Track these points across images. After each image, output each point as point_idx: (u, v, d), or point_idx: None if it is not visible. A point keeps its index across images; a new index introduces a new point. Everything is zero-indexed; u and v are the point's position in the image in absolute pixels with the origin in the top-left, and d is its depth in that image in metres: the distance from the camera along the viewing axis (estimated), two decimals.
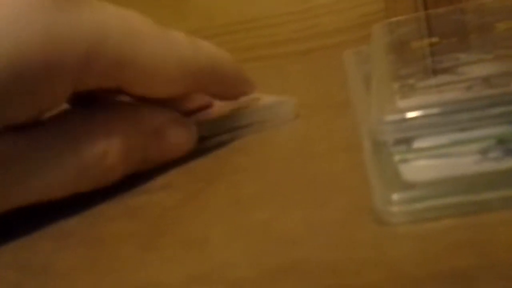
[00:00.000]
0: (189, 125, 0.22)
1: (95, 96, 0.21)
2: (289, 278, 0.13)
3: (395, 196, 0.14)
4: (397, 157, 0.17)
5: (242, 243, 0.15)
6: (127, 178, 0.21)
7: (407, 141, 0.17)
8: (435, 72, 0.22)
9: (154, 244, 0.16)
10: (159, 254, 0.15)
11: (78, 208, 0.20)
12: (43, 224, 0.19)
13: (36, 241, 0.18)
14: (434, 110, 0.17)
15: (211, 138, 0.24)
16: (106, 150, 0.19)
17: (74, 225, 0.19)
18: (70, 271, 0.15)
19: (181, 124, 0.22)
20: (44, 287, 0.15)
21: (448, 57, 0.23)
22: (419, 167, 0.16)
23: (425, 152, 0.17)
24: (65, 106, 0.21)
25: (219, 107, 0.27)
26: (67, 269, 0.16)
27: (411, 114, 0.17)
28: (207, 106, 0.26)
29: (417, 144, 0.17)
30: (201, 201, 0.19)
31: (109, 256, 0.16)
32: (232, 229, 0.16)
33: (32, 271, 0.16)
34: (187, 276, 0.14)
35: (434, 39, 0.27)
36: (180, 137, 0.22)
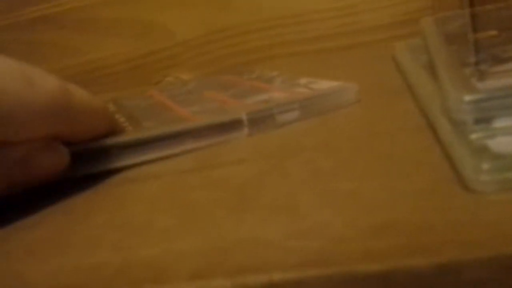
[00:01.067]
0: (60, 149, 0.22)
1: None
2: (386, 235, 0.14)
3: (485, 166, 0.15)
4: (478, 135, 0.17)
5: (332, 207, 0.16)
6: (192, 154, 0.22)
7: (487, 120, 0.18)
8: (503, 60, 0.22)
9: (244, 208, 0.17)
10: (252, 216, 0.16)
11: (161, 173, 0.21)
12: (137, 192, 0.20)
13: (128, 204, 0.19)
14: None
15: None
16: None
17: (159, 192, 0.20)
18: (169, 228, 0.16)
19: (51, 149, 0.21)
20: (149, 246, 0.16)
21: (510, 47, 0.24)
22: (504, 142, 0.17)
23: (506, 130, 0.17)
24: None
25: (279, 91, 0.28)
26: (165, 228, 0.16)
27: (491, 94, 0.18)
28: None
29: (496, 123, 0.18)
30: (279, 174, 0.19)
31: (203, 218, 0.17)
32: (318, 196, 0.17)
33: (132, 229, 0.17)
34: (284, 233, 0.15)
35: (493, 32, 0.27)
36: (49, 162, 0.21)
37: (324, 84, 0.28)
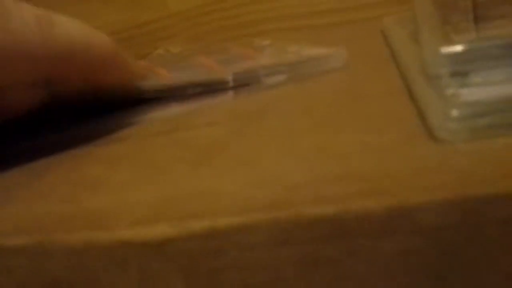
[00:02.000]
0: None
1: None
2: (343, 182, 0.13)
3: (453, 113, 0.14)
4: (453, 89, 0.16)
5: (294, 160, 0.15)
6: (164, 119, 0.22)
7: (463, 74, 0.17)
8: (486, 19, 0.21)
9: (205, 164, 0.16)
10: (209, 170, 0.15)
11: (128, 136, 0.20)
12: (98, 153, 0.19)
13: (86, 163, 0.18)
14: (491, 42, 0.17)
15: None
16: None
17: (120, 153, 0.19)
18: (123, 183, 0.16)
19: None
20: (98, 199, 0.15)
21: (495, 8, 0.23)
22: (477, 92, 0.16)
23: (482, 83, 0.16)
24: None
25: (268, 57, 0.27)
26: (119, 182, 0.16)
27: (468, 46, 0.17)
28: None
29: (473, 77, 0.17)
30: (249, 134, 0.19)
31: (161, 173, 0.16)
32: (283, 151, 0.16)
33: (86, 186, 0.16)
34: (239, 184, 0.14)
35: None
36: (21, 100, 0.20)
37: (313, 50, 0.27)
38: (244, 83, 0.24)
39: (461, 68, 0.17)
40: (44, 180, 0.17)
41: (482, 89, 0.16)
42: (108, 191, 0.15)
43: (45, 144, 0.21)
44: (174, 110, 0.23)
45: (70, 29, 0.20)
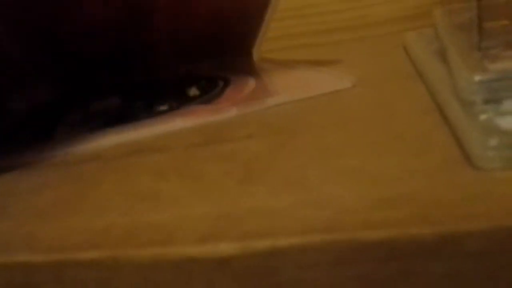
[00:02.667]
0: None
1: None
2: (391, 207, 0.14)
3: (492, 142, 0.15)
4: (487, 115, 0.17)
5: (339, 182, 0.16)
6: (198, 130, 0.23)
7: (496, 101, 0.18)
8: None
9: (253, 180, 0.17)
10: (260, 187, 0.16)
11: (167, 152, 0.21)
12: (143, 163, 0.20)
13: (135, 174, 0.19)
14: None
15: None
16: None
17: (166, 164, 0.20)
18: (178, 196, 0.17)
19: None
20: (157, 213, 0.16)
21: None
22: None
23: None
24: None
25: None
26: (174, 196, 0.17)
27: (502, 75, 0.18)
28: None
29: (506, 104, 0.18)
30: (289, 149, 0.20)
31: (212, 188, 0.17)
32: (326, 171, 0.17)
33: (141, 198, 0.17)
34: (291, 204, 0.15)
35: (505, 22, 0.27)
36: None
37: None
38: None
39: (495, 96, 0.18)
40: (98, 191, 0.18)
41: None
42: (164, 204, 0.16)
43: (81, 150, 0.23)
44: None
45: None
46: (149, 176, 0.19)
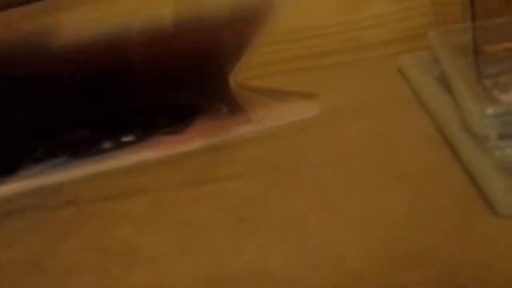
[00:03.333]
0: None
1: None
2: (409, 270, 0.12)
3: None
4: (503, 151, 0.16)
5: (345, 234, 0.14)
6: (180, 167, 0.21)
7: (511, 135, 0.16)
8: None
9: (245, 232, 0.15)
10: (252, 242, 0.14)
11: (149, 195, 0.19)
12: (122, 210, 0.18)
13: (112, 224, 0.17)
14: None
15: None
16: None
17: (146, 210, 0.18)
18: (159, 254, 0.14)
19: None
20: (129, 270, 0.14)
21: None
22: None
23: None
24: None
25: None
26: (155, 253, 0.15)
27: None
28: None
29: None
30: (283, 192, 0.18)
31: (197, 243, 0.15)
32: (330, 214, 0.15)
33: (116, 254, 0.15)
34: (291, 261, 0.13)
35: (508, 44, 0.26)
36: None
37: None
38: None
39: (510, 130, 0.16)
40: (70, 245, 0.16)
41: None
42: (142, 264, 0.14)
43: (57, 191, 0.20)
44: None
45: None
46: (126, 227, 0.17)
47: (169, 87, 0.31)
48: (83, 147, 0.25)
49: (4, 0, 0.21)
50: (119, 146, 0.25)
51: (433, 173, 0.17)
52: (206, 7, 0.24)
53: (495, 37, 0.31)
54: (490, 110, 0.16)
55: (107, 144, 0.25)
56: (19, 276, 0.14)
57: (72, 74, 0.25)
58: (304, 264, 0.13)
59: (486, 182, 0.15)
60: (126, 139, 0.25)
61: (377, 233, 0.14)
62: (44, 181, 0.21)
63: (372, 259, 0.12)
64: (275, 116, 0.26)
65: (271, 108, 0.28)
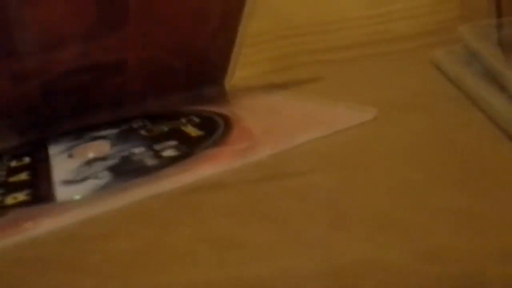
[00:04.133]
0: None
1: None
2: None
3: None
4: None
5: (442, 223, 0.15)
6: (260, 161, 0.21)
7: None
8: None
9: (342, 224, 0.16)
10: (355, 234, 0.15)
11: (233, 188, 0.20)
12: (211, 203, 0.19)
13: (207, 215, 0.18)
14: None
15: None
16: None
17: (236, 203, 0.19)
18: (268, 244, 0.15)
19: None
20: (242, 261, 0.15)
21: None
22: None
23: None
24: None
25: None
26: (261, 246, 0.15)
27: None
28: None
29: None
30: (363, 185, 0.19)
31: (299, 234, 0.16)
32: (421, 213, 0.16)
33: (226, 244, 0.16)
34: (404, 253, 0.14)
35: None
36: None
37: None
38: None
39: None
40: (176, 237, 0.17)
41: None
42: (254, 255, 0.15)
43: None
44: None
45: None
46: (220, 219, 0.18)
47: (164, 90, 0.31)
48: (124, 165, 0.23)
49: None
50: (164, 163, 0.23)
51: (501, 167, 0.18)
52: None
53: None
54: None
55: (149, 161, 0.23)
56: (136, 263, 0.15)
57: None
58: (416, 255, 0.14)
59: None
60: (167, 153, 0.24)
61: (485, 227, 0.15)
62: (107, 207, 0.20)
63: (487, 252, 0.13)
64: (331, 122, 0.26)
65: (326, 115, 0.27)
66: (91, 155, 0.26)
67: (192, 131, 0.27)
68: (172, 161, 0.23)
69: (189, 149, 0.24)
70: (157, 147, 0.25)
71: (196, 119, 0.29)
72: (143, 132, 0.28)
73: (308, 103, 0.30)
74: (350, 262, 0.14)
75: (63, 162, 0.25)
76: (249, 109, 0.31)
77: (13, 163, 0.26)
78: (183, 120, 0.29)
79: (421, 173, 0.19)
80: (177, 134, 0.26)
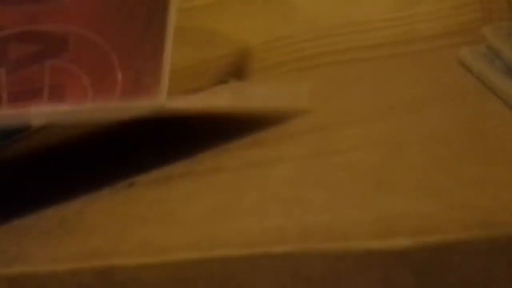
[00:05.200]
0: None
1: None
2: None
3: None
4: None
5: (477, 188, 0.18)
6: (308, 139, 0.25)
7: None
8: None
9: (389, 188, 0.19)
10: (402, 195, 0.19)
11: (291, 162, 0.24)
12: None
13: (274, 182, 0.22)
14: None
15: None
16: None
17: (297, 172, 0.22)
18: (329, 203, 0.19)
19: None
20: (310, 213, 0.18)
21: None
22: None
23: None
24: None
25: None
26: (324, 202, 0.19)
27: None
28: None
29: None
30: (404, 160, 0.22)
31: (350, 195, 0.19)
32: (458, 180, 0.19)
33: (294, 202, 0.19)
34: (440, 207, 0.17)
35: None
36: None
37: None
38: None
39: None
40: (250, 198, 0.20)
41: None
42: (317, 209, 0.19)
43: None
44: None
45: None
46: (287, 185, 0.21)
47: None
48: None
49: None
50: None
51: None
52: None
53: None
54: None
55: None
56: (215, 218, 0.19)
57: None
58: (449, 208, 0.17)
59: None
60: None
61: (500, 188, 0.18)
62: None
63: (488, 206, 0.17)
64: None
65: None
66: None
67: None
68: None
69: None
70: None
71: None
72: None
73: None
74: (388, 213, 0.17)
75: None
76: None
77: None
78: None
79: (448, 151, 0.22)
80: None
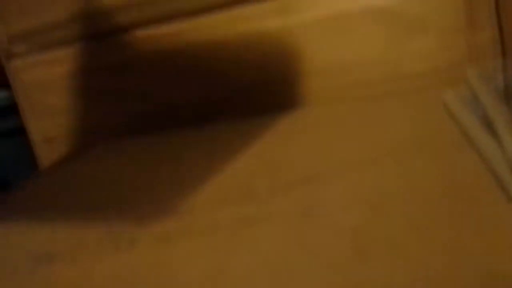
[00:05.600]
0: None
1: None
2: None
3: None
4: None
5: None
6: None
7: None
8: None
9: (369, 252, 0.22)
10: (378, 261, 0.21)
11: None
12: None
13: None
14: None
15: None
16: None
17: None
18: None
19: None
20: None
21: None
22: None
23: None
24: None
25: None
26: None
27: None
28: None
29: None
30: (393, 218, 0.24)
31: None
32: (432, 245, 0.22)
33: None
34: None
35: None
36: None
37: None
38: None
39: None
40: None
41: None
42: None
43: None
44: None
45: None
46: (275, 248, 0.23)
47: None
48: None
49: None
50: None
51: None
52: None
53: None
54: None
55: None
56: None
57: None
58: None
59: None
60: None
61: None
62: None
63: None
64: None
65: None
66: None
67: None
68: None
69: None
70: None
71: None
72: None
73: None
74: (363, 281, 0.19)
75: None
76: None
77: None
78: None
79: (423, 213, 0.24)
80: None
